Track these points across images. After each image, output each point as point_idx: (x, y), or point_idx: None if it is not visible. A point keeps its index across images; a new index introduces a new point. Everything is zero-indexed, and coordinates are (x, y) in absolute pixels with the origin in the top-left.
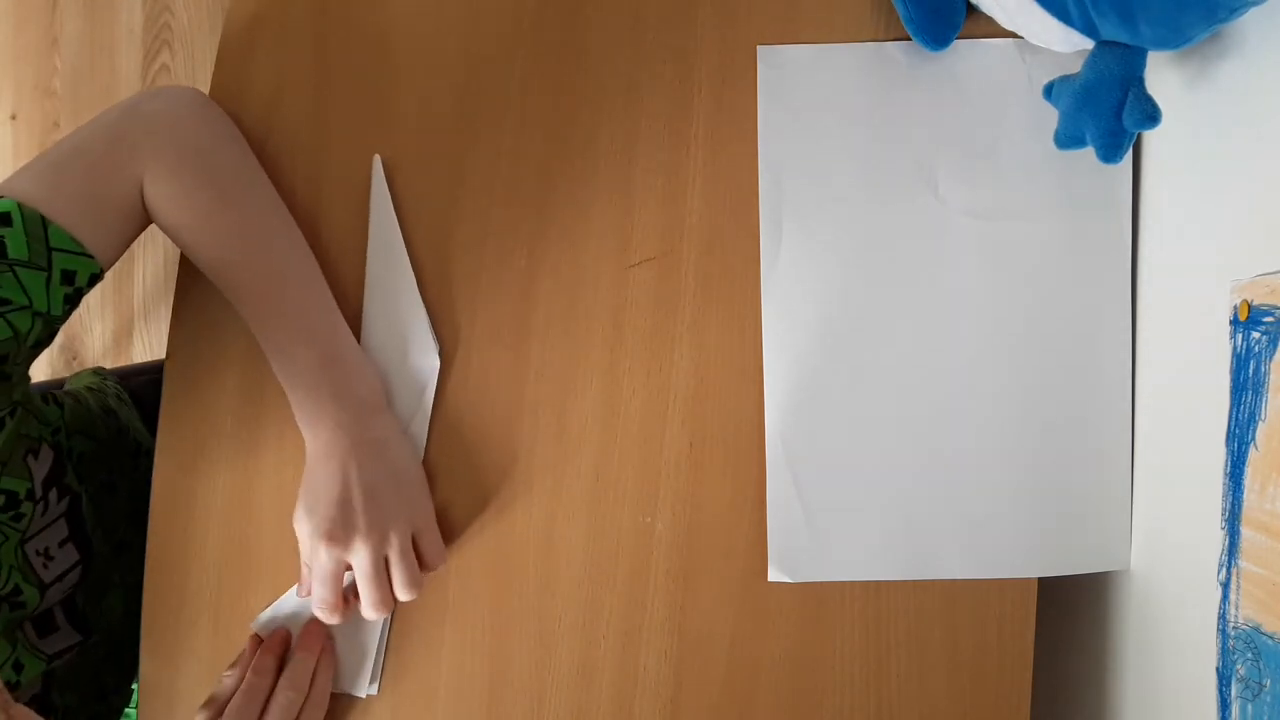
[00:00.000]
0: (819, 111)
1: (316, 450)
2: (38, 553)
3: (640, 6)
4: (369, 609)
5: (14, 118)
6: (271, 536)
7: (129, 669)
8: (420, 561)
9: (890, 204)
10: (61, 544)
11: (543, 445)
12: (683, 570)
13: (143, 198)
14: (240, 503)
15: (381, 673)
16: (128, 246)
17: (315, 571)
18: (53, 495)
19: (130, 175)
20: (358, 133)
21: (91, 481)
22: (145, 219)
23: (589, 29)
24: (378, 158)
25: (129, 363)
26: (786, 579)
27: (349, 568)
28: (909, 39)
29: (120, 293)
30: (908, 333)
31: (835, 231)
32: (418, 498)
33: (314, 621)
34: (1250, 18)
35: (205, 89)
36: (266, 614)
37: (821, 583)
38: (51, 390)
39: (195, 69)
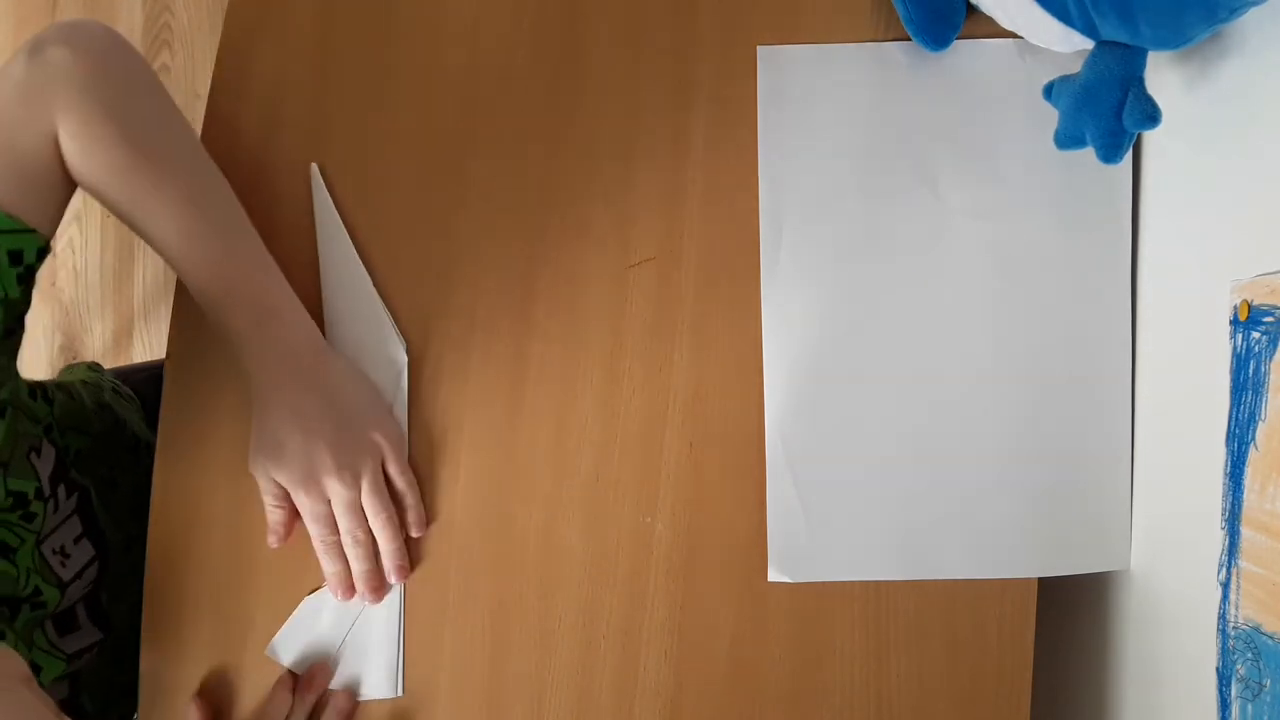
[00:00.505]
0: (819, 111)
1: (267, 399)
2: (54, 551)
3: (640, 6)
4: (351, 543)
5: None
6: None
7: None
8: (394, 498)
9: (890, 204)
10: (76, 540)
11: (543, 445)
12: (683, 570)
13: (60, 155)
14: (240, 502)
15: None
16: (64, 210)
17: (306, 515)
18: (61, 492)
19: (46, 133)
20: (358, 133)
21: (93, 477)
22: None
23: (589, 29)
24: (315, 166)
25: (129, 363)
26: (786, 579)
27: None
28: (909, 39)
29: (120, 293)
30: (908, 332)
31: (835, 231)
32: (379, 428)
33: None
34: (1250, 18)
35: (205, 89)
36: (283, 636)
37: (821, 583)
38: (41, 385)
39: (195, 69)
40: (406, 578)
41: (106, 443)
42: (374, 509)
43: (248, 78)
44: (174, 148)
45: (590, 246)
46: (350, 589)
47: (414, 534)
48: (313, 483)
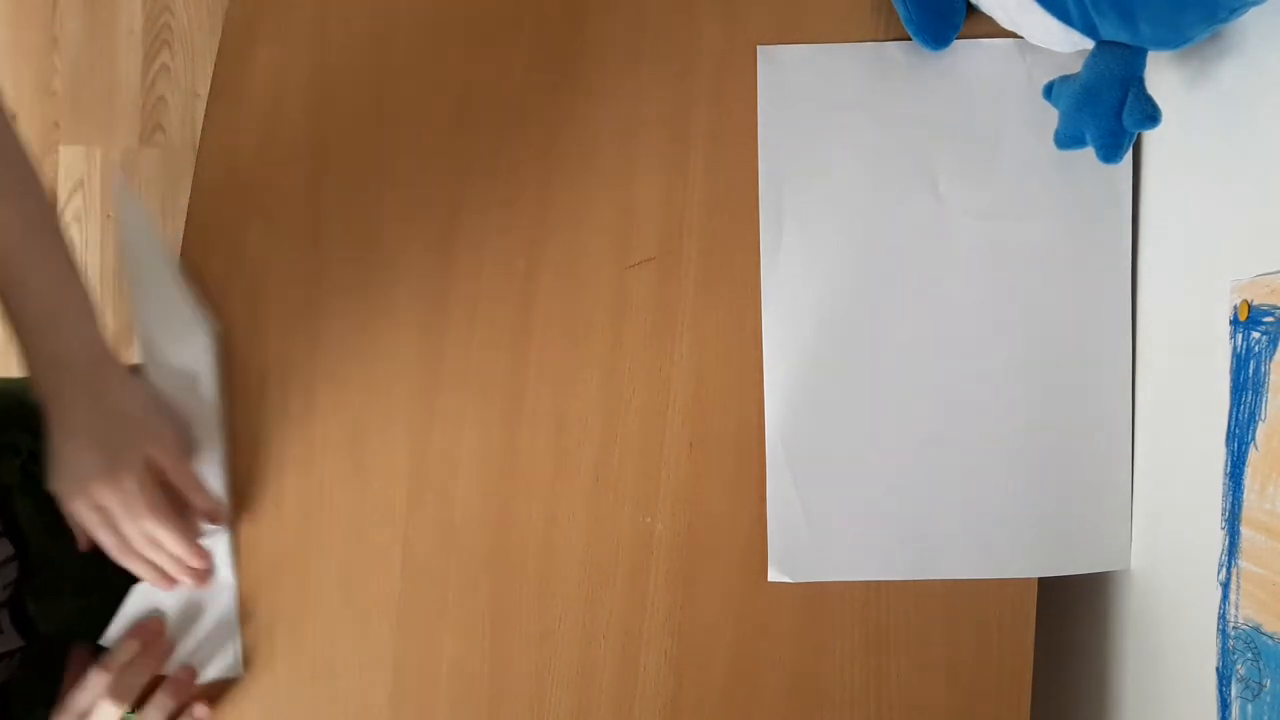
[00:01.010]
0: (819, 111)
1: (48, 411)
2: None
3: (640, 6)
4: (143, 543)
5: (14, 118)
6: (272, 535)
7: None
8: (184, 499)
9: (890, 204)
10: None
11: (543, 445)
12: (683, 570)
13: None
14: (240, 502)
15: (243, 651)
16: None
17: (87, 524)
18: None
19: None
20: (357, 133)
21: (27, 478)
22: None
23: (589, 29)
24: (119, 173)
25: (129, 363)
26: (786, 579)
27: None
28: (909, 39)
29: (120, 293)
30: (908, 332)
31: (835, 231)
32: (150, 430)
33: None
34: (1250, 18)
35: (205, 89)
36: (115, 627)
37: (821, 583)
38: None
39: (195, 69)
40: (204, 581)
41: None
42: (146, 511)
43: (248, 78)
44: None
45: (590, 246)
46: (168, 579)
47: (211, 527)
48: (84, 491)
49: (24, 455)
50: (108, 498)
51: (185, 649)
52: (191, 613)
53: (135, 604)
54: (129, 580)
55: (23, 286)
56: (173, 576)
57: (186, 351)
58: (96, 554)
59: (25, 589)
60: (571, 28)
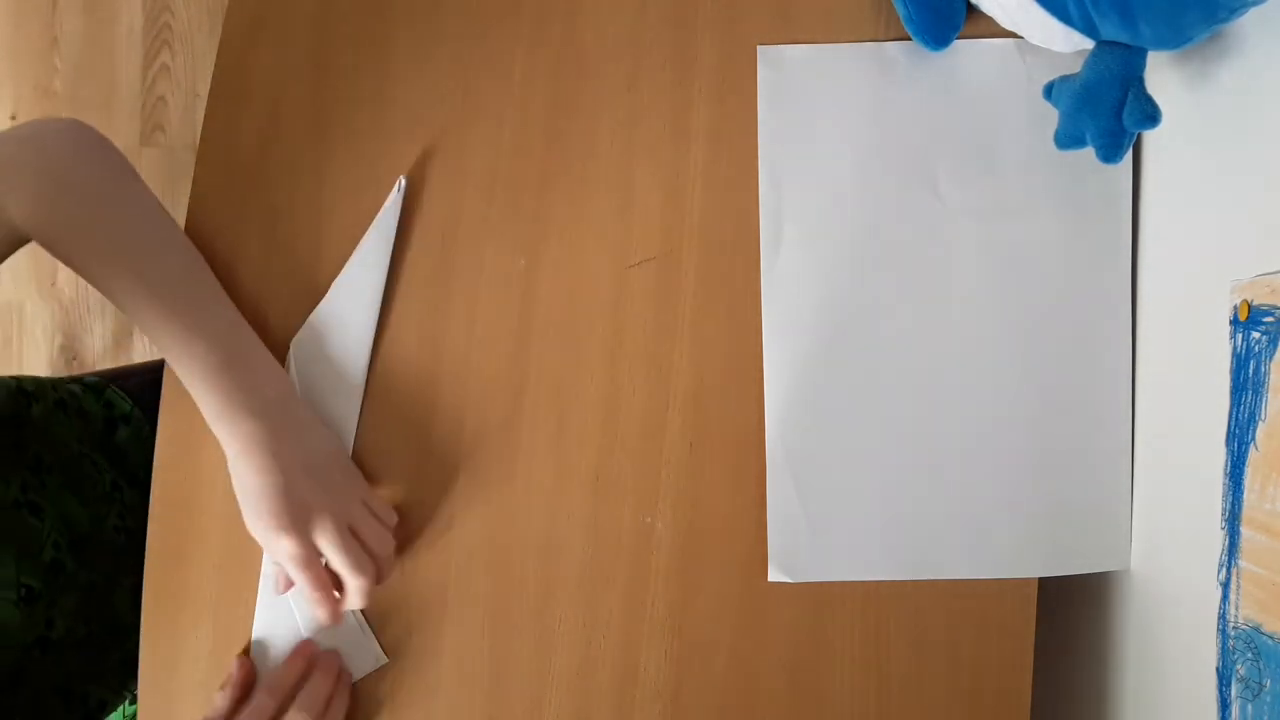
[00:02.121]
0: (819, 111)
1: (237, 448)
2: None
3: (640, 7)
4: (349, 575)
5: (14, 118)
6: None
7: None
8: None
9: (890, 204)
10: None
11: (543, 445)
12: (683, 570)
13: (15, 222)
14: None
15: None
16: None
17: (291, 564)
18: None
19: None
20: (357, 133)
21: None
22: (13, 242)
23: (589, 29)
24: (403, 179)
25: (129, 363)
26: (786, 579)
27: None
28: (909, 39)
29: None
30: (907, 332)
31: (835, 231)
32: (353, 471)
33: (312, 643)
34: (1250, 18)
35: (205, 89)
36: (256, 636)
37: (821, 583)
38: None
39: (195, 69)
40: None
41: None
42: (378, 540)
43: (248, 78)
44: (129, 207)
45: (590, 246)
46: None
47: (378, 582)
48: (298, 523)
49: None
50: (329, 531)
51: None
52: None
53: (264, 626)
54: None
55: (198, 342)
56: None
57: (348, 353)
58: (50, 563)
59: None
60: (571, 28)
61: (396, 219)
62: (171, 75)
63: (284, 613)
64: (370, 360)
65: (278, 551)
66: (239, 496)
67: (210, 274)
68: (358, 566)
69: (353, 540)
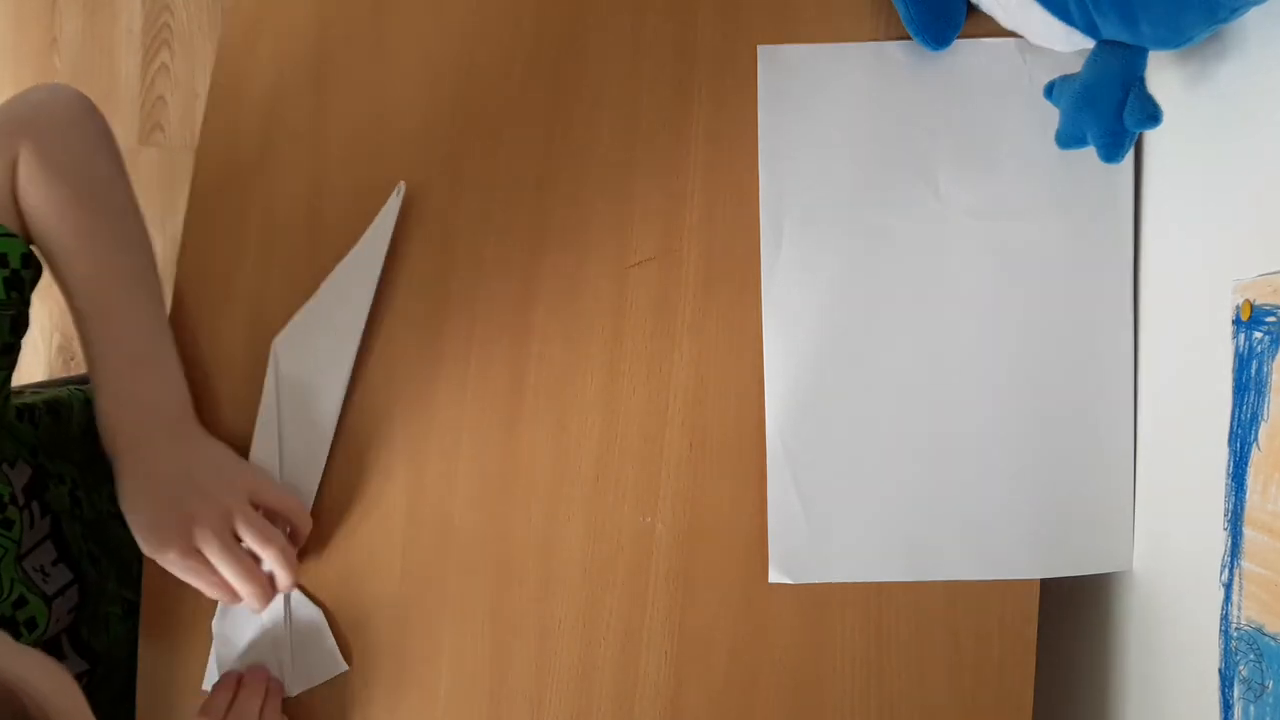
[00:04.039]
0: (819, 111)
1: (124, 462)
2: (35, 569)
3: (640, 7)
4: (237, 583)
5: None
6: None
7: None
8: (279, 521)
9: (890, 204)
10: (54, 563)
11: (543, 445)
12: (683, 571)
13: (15, 175)
14: None
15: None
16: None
17: (186, 575)
18: (35, 508)
19: (9, 154)
20: (357, 133)
21: (66, 504)
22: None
23: (589, 29)
24: (403, 185)
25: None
26: (787, 580)
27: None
28: (909, 39)
29: None
30: (908, 333)
31: (835, 231)
32: (239, 471)
33: (234, 672)
34: (1250, 18)
35: (204, 89)
36: (210, 669)
37: (822, 584)
38: (30, 407)
39: (195, 69)
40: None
41: (92, 471)
42: (260, 539)
43: (248, 78)
44: (111, 201)
45: (590, 246)
46: (263, 602)
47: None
48: (183, 535)
49: (69, 483)
50: (211, 543)
51: (288, 667)
52: (276, 632)
53: (221, 643)
54: None
55: (120, 330)
56: (264, 601)
57: (329, 366)
58: (139, 577)
59: (79, 611)
60: (572, 28)
61: (393, 224)
62: (171, 75)
63: (240, 619)
64: (355, 362)
65: (171, 567)
66: (125, 510)
67: (157, 281)
68: (243, 573)
69: (235, 547)
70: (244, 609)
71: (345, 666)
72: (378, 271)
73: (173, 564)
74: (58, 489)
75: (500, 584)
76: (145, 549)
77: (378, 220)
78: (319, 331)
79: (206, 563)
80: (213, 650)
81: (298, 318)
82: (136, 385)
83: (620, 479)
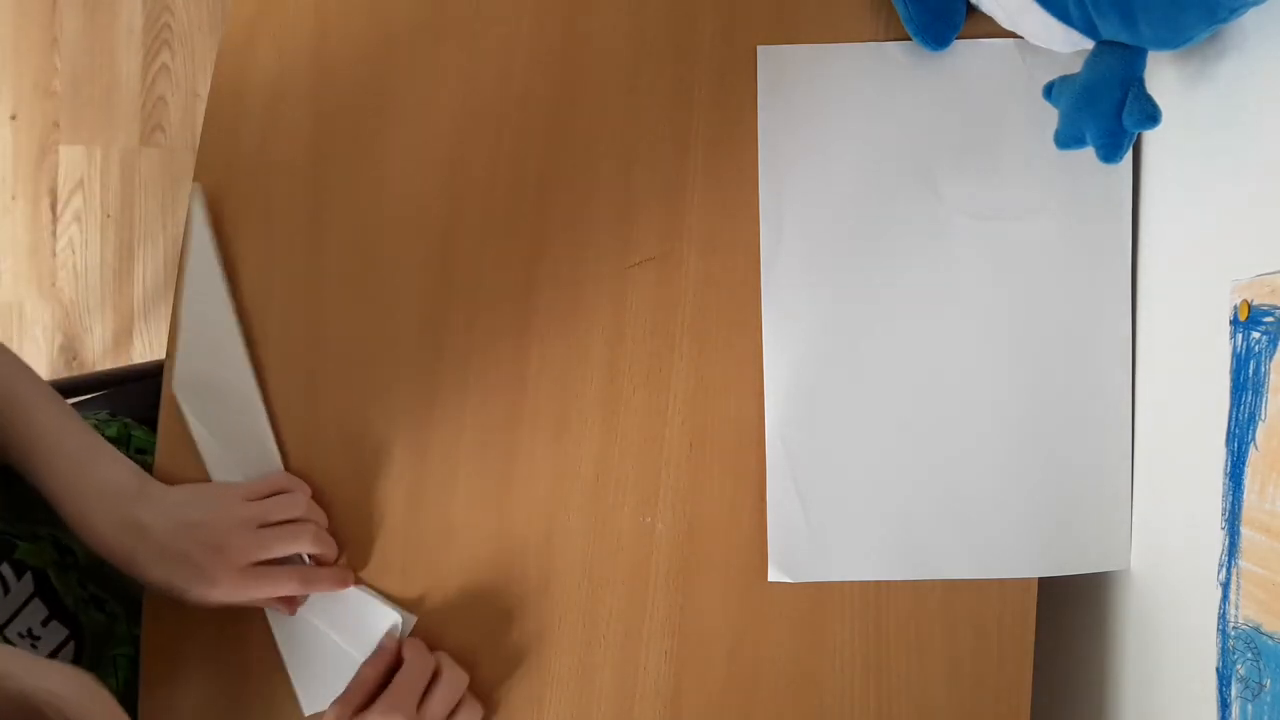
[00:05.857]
0: (819, 111)
1: (122, 560)
2: (21, 635)
3: (640, 7)
4: (315, 546)
5: (14, 118)
6: None
7: None
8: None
9: (890, 204)
10: (45, 622)
11: (543, 445)
12: (683, 570)
13: None
14: None
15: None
16: None
17: (248, 595)
18: (7, 570)
19: None
20: (357, 133)
21: (63, 554)
22: None
23: (589, 30)
24: (198, 186)
25: (129, 363)
26: (786, 579)
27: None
28: (909, 39)
29: (120, 293)
30: (908, 333)
31: (835, 231)
32: (219, 491)
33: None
34: (1250, 18)
35: (205, 89)
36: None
37: (821, 583)
38: None
39: (195, 69)
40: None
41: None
42: (289, 521)
43: (248, 78)
44: None
45: (590, 246)
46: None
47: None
48: (226, 569)
49: (47, 537)
50: (251, 548)
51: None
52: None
53: (289, 641)
54: None
55: (58, 435)
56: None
57: (229, 371)
58: (140, 614)
59: (81, 662)
60: (572, 28)
61: (208, 230)
62: (171, 75)
63: (305, 629)
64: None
65: (233, 599)
66: (165, 579)
67: (44, 384)
68: (307, 539)
69: (260, 566)
70: (300, 628)
71: (399, 617)
72: (221, 277)
73: (231, 596)
74: (34, 545)
75: (500, 584)
76: (203, 603)
77: (194, 231)
78: (206, 358)
79: (257, 577)
80: (295, 683)
81: (179, 356)
82: (90, 481)
83: (620, 479)
